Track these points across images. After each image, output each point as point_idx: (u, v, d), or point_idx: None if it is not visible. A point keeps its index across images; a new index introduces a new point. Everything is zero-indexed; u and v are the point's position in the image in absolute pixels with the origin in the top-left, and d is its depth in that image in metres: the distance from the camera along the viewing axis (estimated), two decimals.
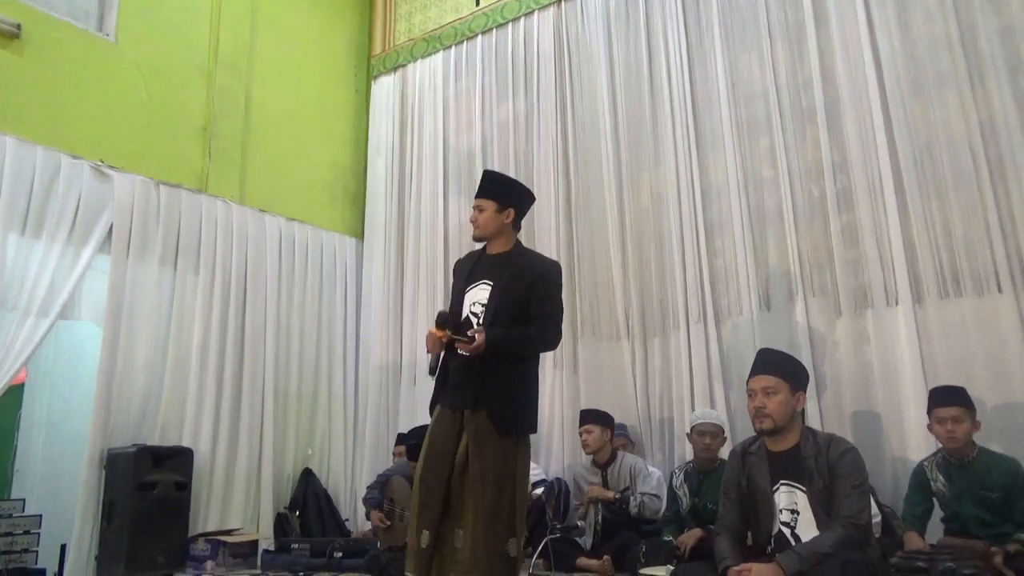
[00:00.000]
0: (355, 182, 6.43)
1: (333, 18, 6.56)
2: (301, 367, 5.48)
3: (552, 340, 2.94)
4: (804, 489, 2.59)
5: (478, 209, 2.98)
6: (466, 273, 3.02)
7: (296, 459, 5.37)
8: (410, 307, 5.77)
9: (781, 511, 2.61)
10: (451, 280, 3.23)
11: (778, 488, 2.65)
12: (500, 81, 5.78)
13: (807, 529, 2.54)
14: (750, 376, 2.79)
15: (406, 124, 6.32)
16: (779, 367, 2.76)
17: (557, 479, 4.57)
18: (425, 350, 2.92)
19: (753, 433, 2.81)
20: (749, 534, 2.75)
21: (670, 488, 3.86)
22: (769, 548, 2.60)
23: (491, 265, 2.96)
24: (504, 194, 3.00)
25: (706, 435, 3.72)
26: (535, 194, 5.32)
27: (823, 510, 2.52)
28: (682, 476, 3.81)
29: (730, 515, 2.75)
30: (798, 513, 2.59)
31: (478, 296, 2.90)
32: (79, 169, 4.48)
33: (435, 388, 2.94)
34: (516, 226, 3.03)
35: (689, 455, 4.27)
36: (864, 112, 4.08)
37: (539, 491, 4.53)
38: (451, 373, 2.86)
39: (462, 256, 3.25)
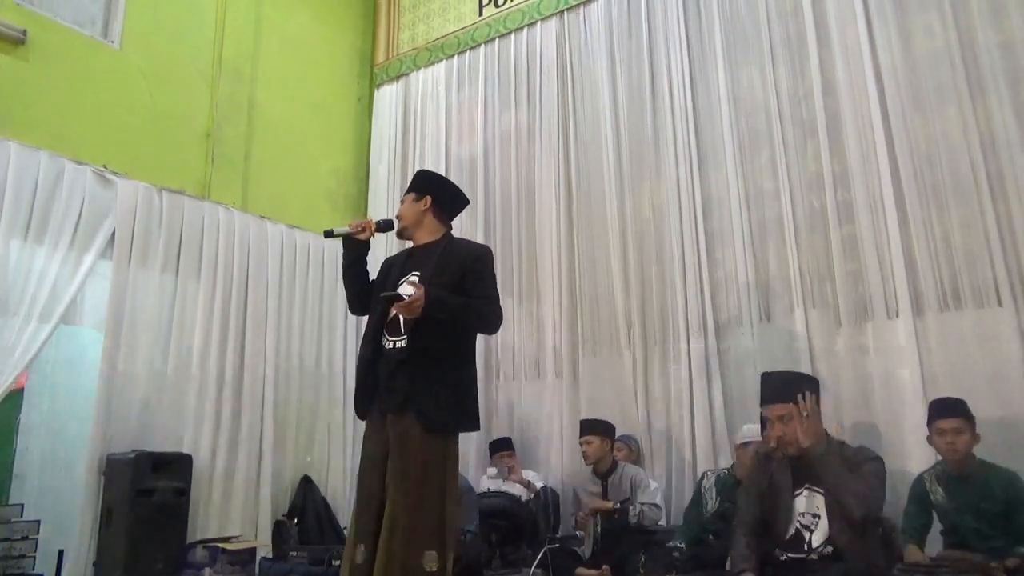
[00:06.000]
0: (357, 189, 6.44)
1: (337, 26, 6.59)
2: (301, 374, 5.47)
3: (494, 321, 2.78)
4: (823, 492, 2.70)
5: (401, 203, 2.95)
6: (396, 269, 2.86)
7: (295, 466, 5.35)
8: None
9: (802, 515, 2.72)
10: None
11: (800, 493, 2.75)
12: (502, 91, 5.80)
13: (823, 533, 2.68)
14: (763, 403, 2.87)
15: (408, 132, 6.34)
16: (787, 391, 2.82)
17: (543, 488, 4.53)
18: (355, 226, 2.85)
19: None
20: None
21: (697, 490, 3.81)
22: (783, 557, 2.69)
23: (418, 257, 2.84)
24: (422, 185, 2.94)
25: None
26: (536, 203, 5.44)
27: (839, 510, 2.63)
28: (713, 479, 3.77)
29: (749, 512, 2.83)
30: (818, 517, 2.70)
31: (408, 291, 2.69)
32: (82, 175, 4.48)
33: (358, 394, 2.76)
34: (441, 218, 2.90)
35: (689, 466, 4.29)
36: (865, 125, 4.10)
37: (526, 497, 4.51)
38: (380, 377, 2.68)
39: (392, 254, 3.10)
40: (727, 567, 3.01)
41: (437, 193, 2.92)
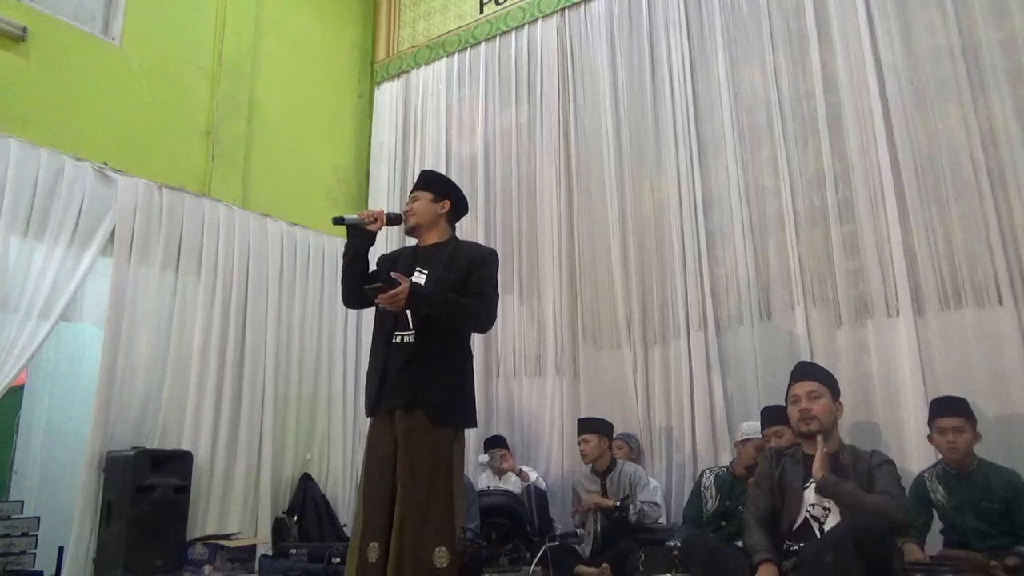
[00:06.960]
0: (357, 187, 6.44)
1: (337, 23, 6.59)
2: (301, 372, 5.47)
3: (485, 319, 2.79)
4: None
5: (413, 200, 2.93)
6: (401, 265, 2.85)
7: (295, 464, 5.35)
8: None
9: (813, 506, 2.75)
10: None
11: (810, 486, 2.77)
12: (503, 88, 5.80)
13: (833, 524, 2.69)
14: (792, 383, 2.94)
15: (409, 130, 6.34)
16: (820, 375, 2.97)
17: (527, 487, 4.48)
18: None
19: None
20: None
21: (697, 489, 3.80)
22: (791, 546, 2.72)
23: (426, 256, 2.84)
24: (441, 187, 2.96)
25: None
26: (537, 200, 5.44)
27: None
28: (712, 478, 3.76)
29: (761, 503, 2.87)
30: (829, 510, 2.72)
31: (420, 281, 2.73)
32: (82, 172, 4.48)
33: (369, 392, 2.77)
34: (451, 222, 2.95)
35: (690, 463, 4.28)
36: (866, 122, 4.09)
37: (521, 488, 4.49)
38: (389, 372, 2.69)
39: (388, 251, 3.10)
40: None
41: (455, 199, 2.96)
